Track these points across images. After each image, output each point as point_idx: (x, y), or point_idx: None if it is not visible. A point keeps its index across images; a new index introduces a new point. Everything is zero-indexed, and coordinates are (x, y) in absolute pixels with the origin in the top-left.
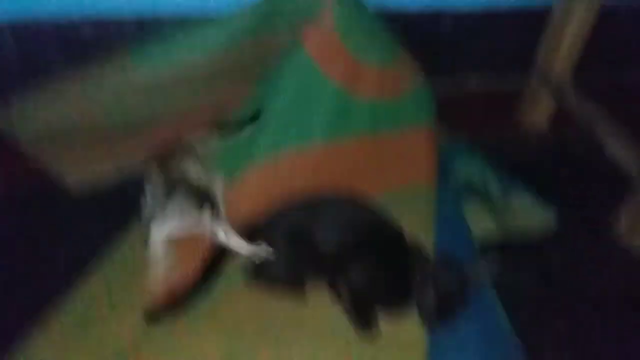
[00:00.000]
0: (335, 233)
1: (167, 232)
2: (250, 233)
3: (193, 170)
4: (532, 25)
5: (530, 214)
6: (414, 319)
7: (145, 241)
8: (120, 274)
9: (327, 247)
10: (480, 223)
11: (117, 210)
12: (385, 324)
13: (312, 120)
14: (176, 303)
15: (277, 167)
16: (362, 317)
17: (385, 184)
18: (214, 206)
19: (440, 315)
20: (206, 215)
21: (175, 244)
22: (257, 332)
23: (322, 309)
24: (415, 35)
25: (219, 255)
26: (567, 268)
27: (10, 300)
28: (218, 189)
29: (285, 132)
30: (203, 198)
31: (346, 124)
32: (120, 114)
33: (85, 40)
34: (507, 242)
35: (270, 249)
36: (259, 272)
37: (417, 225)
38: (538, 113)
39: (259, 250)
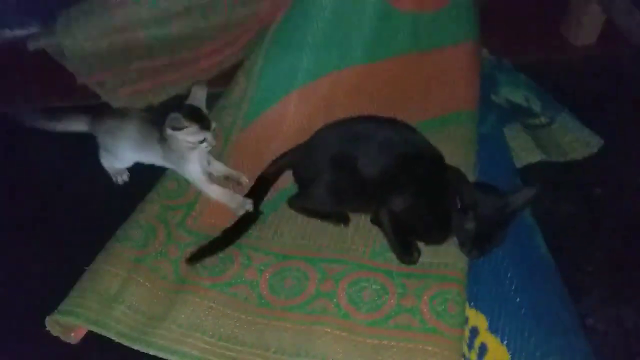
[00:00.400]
0: (377, 160)
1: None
2: (292, 161)
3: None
4: None
5: (573, 137)
6: (454, 246)
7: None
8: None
9: (369, 174)
10: (522, 144)
11: None
12: (426, 252)
13: (352, 41)
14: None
15: (318, 86)
16: (403, 243)
17: (427, 111)
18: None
19: (481, 242)
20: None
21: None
22: (303, 256)
23: (364, 234)
24: None
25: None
26: (609, 193)
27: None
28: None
29: (325, 57)
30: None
31: (387, 41)
32: (159, 29)
33: None
34: (548, 165)
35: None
36: (302, 196)
37: (458, 151)
38: (585, 27)
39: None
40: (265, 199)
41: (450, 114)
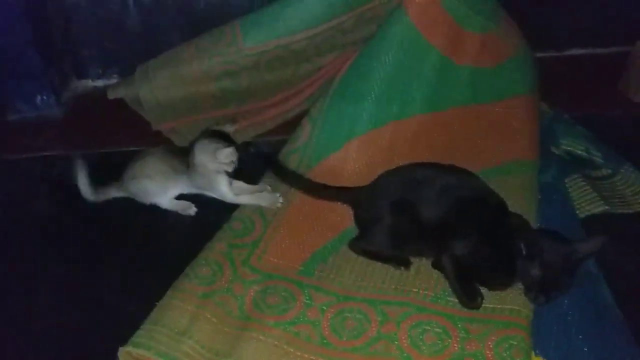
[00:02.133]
0: (438, 205)
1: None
2: (353, 201)
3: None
4: None
5: (638, 188)
6: (518, 293)
7: None
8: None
9: (430, 219)
10: (585, 195)
11: None
12: (489, 297)
13: (413, 92)
14: None
15: (379, 134)
16: (466, 288)
17: (486, 160)
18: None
19: (546, 290)
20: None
21: None
22: (364, 298)
23: (425, 278)
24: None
25: None
26: None
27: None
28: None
29: (387, 107)
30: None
31: (447, 93)
32: (229, 82)
33: (198, 6)
34: (612, 216)
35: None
36: (363, 239)
37: (519, 199)
38: None
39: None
40: (326, 240)
41: (510, 162)
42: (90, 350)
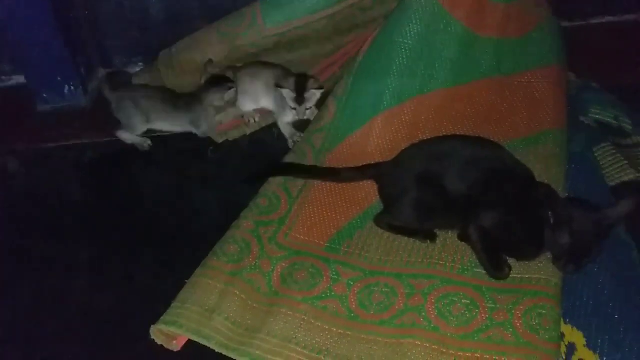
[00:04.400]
0: (464, 176)
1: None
2: (377, 176)
3: None
4: None
5: None
6: (546, 262)
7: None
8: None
9: (457, 191)
10: (615, 163)
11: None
12: (518, 267)
13: (436, 66)
14: None
15: (402, 109)
16: (493, 259)
17: (513, 131)
18: None
19: (576, 258)
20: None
21: None
22: (391, 272)
23: (452, 250)
24: None
25: None
26: None
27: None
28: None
29: (410, 82)
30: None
31: (471, 66)
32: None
33: None
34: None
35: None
36: (388, 214)
37: (548, 168)
38: None
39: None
40: (351, 216)
41: (538, 133)
42: (124, 328)
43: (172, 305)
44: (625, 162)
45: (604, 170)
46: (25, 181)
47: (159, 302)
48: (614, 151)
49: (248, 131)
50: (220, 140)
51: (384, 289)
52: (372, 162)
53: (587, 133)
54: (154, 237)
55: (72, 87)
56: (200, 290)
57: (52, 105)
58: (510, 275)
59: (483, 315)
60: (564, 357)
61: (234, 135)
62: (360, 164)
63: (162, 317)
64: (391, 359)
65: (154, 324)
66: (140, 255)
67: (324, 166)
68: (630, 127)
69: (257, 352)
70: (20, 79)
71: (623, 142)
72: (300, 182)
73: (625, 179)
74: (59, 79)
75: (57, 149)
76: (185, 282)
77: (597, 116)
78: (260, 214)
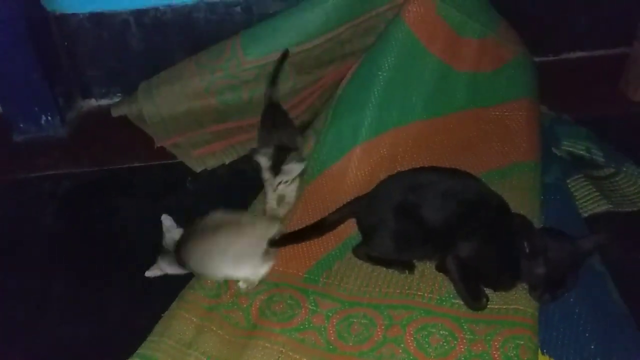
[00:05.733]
0: (441, 207)
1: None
2: (355, 211)
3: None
4: None
5: (637, 184)
6: (523, 292)
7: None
8: None
9: (434, 222)
10: (588, 195)
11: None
12: (494, 298)
13: (413, 99)
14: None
15: (380, 141)
16: (470, 289)
17: (488, 162)
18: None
19: (551, 288)
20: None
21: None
22: (369, 303)
23: (430, 281)
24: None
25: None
26: None
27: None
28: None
29: (387, 113)
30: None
31: (447, 99)
32: (230, 95)
33: (198, 24)
34: (614, 213)
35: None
36: (367, 245)
37: (522, 200)
38: None
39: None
40: (331, 247)
41: (512, 164)
42: None
43: (148, 338)
44: (598, 193)
45: (577, 202)
46: None
47: (134, 335)
48: (587, 183)
49: (227, 160)
50: (198, 170)
51: (362, 320)
52: (351, 199)
53: (560, 165)
54: (130, 269)
55: (50, 117)
56: (176, 323)
57: (28, 136)
58: (488, 306)
59: (461, 346)
60: None
61: (212, 163)
62: (339, 197)
63: (137, 351)
64: None
65: (129, 357)
66: (115, 287)
67: (303, 197)
68: (602, 159)
69: None
70: None
71: (595, 173)
72: None
73: (598, 210)
74: (36, 109)
75: (32, 180)
76: (162, 316)
77: (570, 148)
78: None
